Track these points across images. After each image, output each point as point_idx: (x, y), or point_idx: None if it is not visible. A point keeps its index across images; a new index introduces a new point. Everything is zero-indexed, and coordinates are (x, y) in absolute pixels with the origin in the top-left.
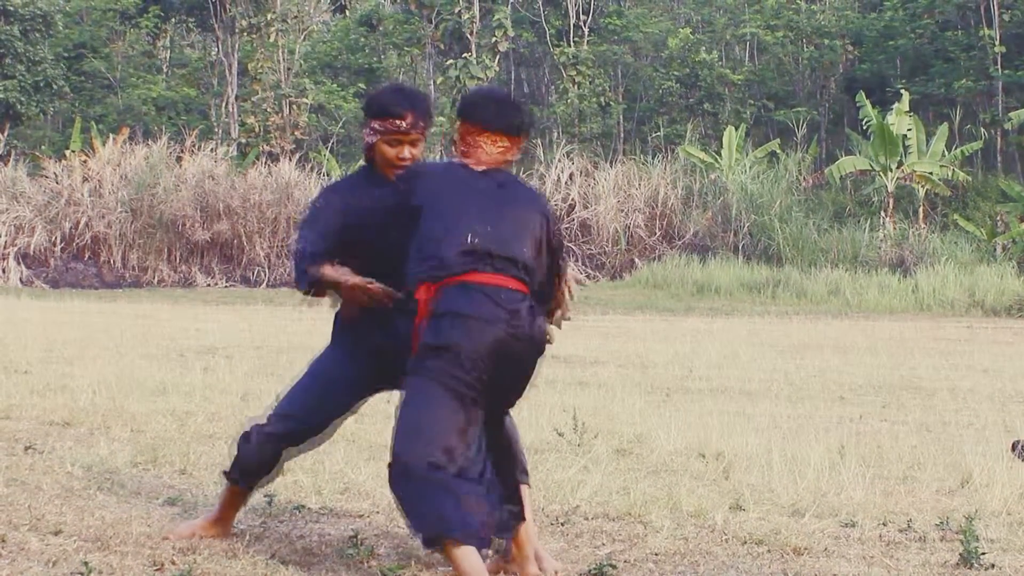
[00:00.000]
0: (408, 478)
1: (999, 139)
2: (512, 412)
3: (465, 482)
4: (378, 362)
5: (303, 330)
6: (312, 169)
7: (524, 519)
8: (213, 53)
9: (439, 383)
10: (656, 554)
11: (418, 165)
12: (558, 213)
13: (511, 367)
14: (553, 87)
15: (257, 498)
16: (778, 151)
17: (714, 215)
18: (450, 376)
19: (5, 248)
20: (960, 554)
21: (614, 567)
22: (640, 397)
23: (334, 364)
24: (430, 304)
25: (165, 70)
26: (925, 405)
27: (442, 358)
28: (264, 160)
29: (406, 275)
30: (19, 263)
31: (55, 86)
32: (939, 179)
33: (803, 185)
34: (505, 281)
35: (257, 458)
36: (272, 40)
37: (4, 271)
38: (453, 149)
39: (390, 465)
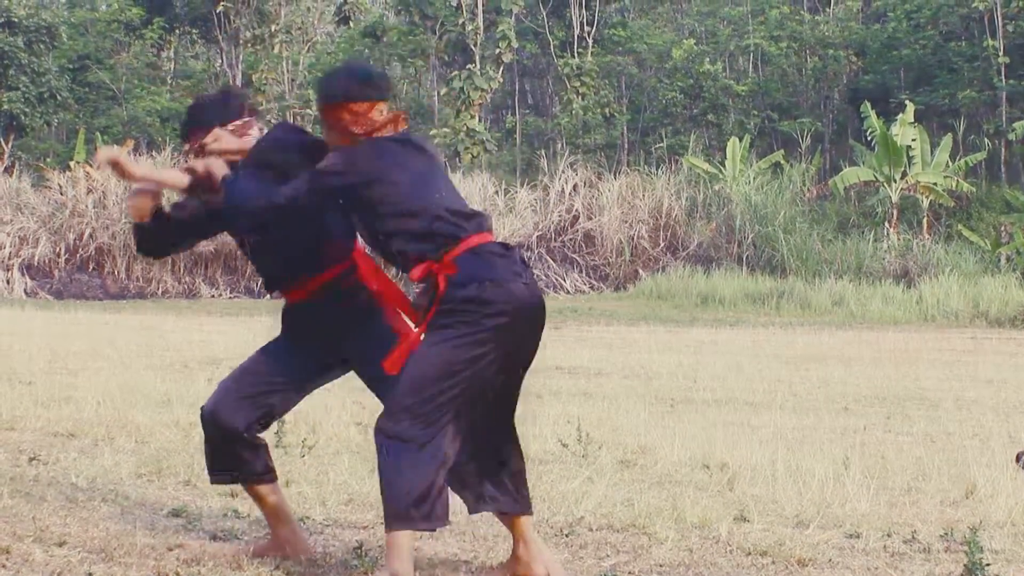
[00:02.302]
0: (390, 435)
1: (1003, 149)
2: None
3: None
4: (315, 349)
5: None
6: None
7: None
8: (217, 64)
9: (461, 347)
10: (660, 565)
11: (347, 149)
12: (562, 224)
13: (531, 327)
14: (557, 98)
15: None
16: (782, 162)
17: (718, 226)
18: (477, 344)
19: (9, 259)
20: (964, 565)
21: None
22: (644, 408)
23: (275, 344)
24: (449, 279)
25: (169, 81)
26: (929, 416)
27: (475, 323)
28: None
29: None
30: (24, 274)
31: (59, 97)
32: (943, 190)
33: (807, 196)
34: (489, 236)
35: (208, 435)
36: (276, 52)
37: (8, 282)
38: (332, 133)
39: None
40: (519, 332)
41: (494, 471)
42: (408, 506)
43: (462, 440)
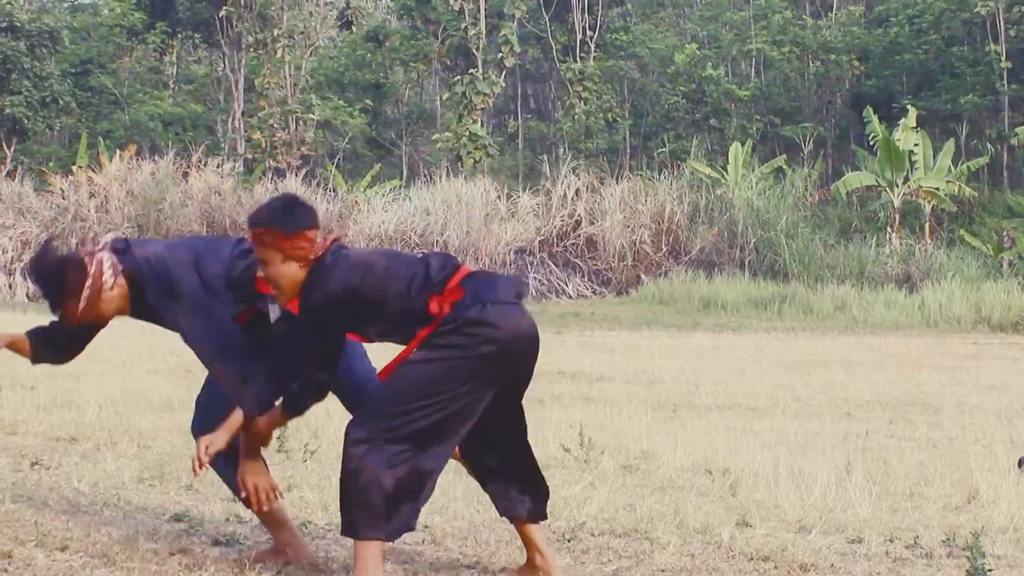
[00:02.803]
0: (359, 441)
1: (1005, 154)
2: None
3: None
4: None
5: None
6: (319, 185)
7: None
8: (219, 69)
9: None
10: (663, 571)
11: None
12: (564, 229)
13: (526, 353)
14: (559, 103)
15: None
16: (784, 167)
17: (720, 231)
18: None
19: (12, 263)
20: (967, 571)
21: None
22: (646, 413)
23: None
24: (454, 304)
25: (172, 86)
26: (931, 421)
27: (480, 343)
28: (271, 176)
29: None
30: (26, 279)
31: (61, 102)
32: (945, 195)
33: (809, 201)
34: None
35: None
36: (278, 56)
37: (11, 286)
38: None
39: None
40: (513, 358)
41: (506, 478)
42: (374, 514)
43: (458, 452)
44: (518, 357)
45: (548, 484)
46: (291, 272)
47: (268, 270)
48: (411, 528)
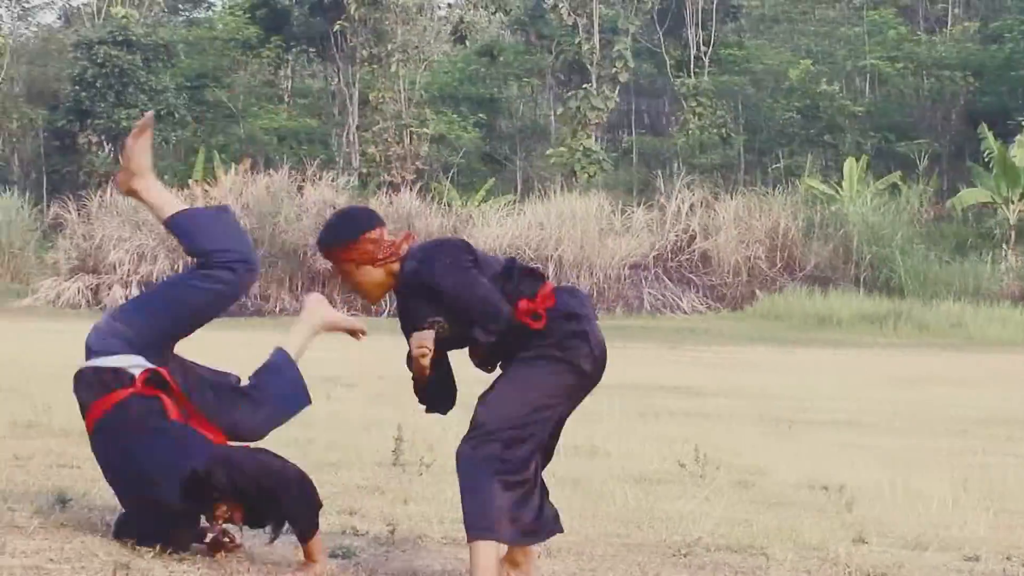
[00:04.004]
0: (476, 457)
1: None
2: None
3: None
4: None
5: None
6: (432, 199)
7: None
8: (334, 83)
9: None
10: None
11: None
12: (679, 244)
13: (602, 371)
14: (673, 118)
15: (380, 527)
16: (899, 183)
17: (835, 247)
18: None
19: (128, 276)
20: None
21: None
22: (761, 429)
23: None
24: (549, 312)
25: (286, 100)
26: None
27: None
28: (385, 190)
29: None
30: (142, 291)
31: (177, 115)
32: None
33: (924, 217)
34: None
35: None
36: (393, 70)
37: (127, 298)
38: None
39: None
40: (596, 375)
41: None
42: (493, 518)
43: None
44: (598, 372)
45: (650, 501)
46: (370, 277)
47: (350, 281)
48: (544, 530)
